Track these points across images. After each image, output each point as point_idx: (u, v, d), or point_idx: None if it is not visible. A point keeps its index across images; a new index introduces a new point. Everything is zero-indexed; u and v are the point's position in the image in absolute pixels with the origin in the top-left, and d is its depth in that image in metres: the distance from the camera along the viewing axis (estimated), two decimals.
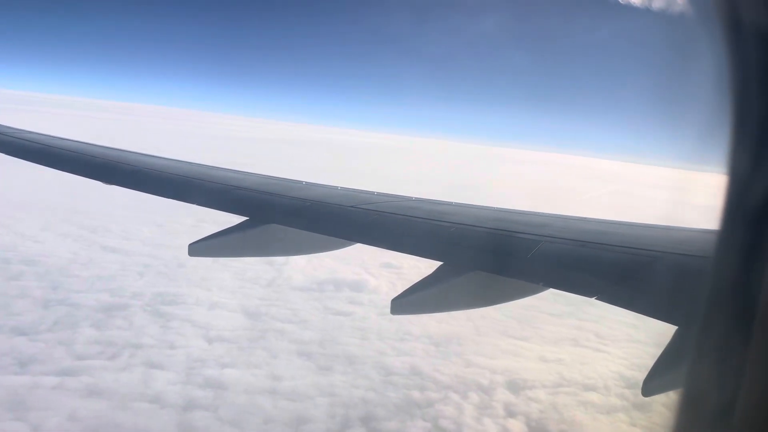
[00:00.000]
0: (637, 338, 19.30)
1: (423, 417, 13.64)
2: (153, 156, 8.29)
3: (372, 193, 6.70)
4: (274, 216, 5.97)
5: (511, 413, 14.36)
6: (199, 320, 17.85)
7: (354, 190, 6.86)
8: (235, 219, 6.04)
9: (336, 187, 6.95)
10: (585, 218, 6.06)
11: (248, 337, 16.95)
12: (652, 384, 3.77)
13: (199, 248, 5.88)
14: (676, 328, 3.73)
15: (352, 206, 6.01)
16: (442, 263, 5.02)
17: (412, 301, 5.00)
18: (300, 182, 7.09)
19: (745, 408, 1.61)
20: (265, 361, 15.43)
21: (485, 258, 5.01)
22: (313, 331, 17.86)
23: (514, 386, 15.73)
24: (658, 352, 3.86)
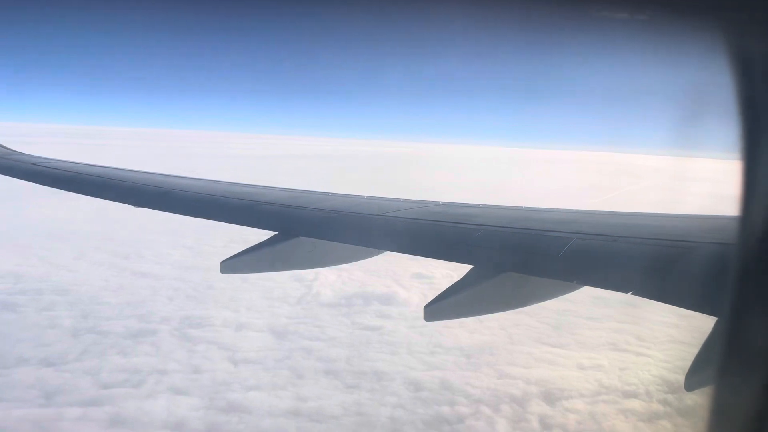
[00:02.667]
0: (679, 338, 18.43)
1: None
2: (180, 177, 8.40)
3: (398, 200, 6.71)
4: (303, 229, 5.99)
5: (546, 426, 13.74)
6: (226, 342, 17.69)
7: (380, 199, 6.86)
8: (263, 236, 6.00)
9: (362, 197, 6.95)
10: (614, 212, 5.93)
11: (274, 357, 16.69)
12: (695, 378, 3.65)
13: (231, 265, 5.91)
14: (716, 319, 3.53)
15: (378, 214, 6.00)
16: (472, 267, 4.93)
17: (444, 306, 4.92)
18: (326, 194, 7.10)
19: None
20: (291, 382, 15.13)
21: (516, 259, 4.96)
22: (341, 348, 17.51)
23: (550, 397, 15.09)
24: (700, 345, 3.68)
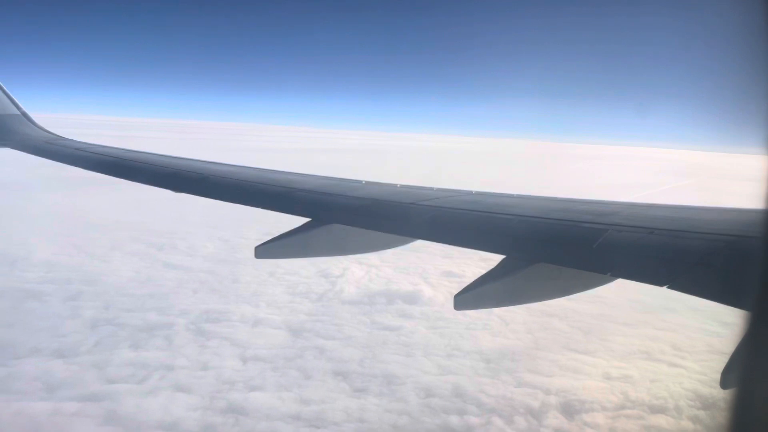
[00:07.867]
0: (719, 348, 17.14)
1: None
2: (218, 163, 8.57)
3: (431, 188, 6.72)
4: (336, 216, 6.07)
5: None
6: (240, 338, 17.41)
7: (413, 187, 6.89)
8: (298, 224, 6.02)
9: (395, 185, 6.97)
10: (652, 204, 5.76)
11: (285, 356, 16.29)
12: (732, 375, 3.41)
13: (265, 250, 6.00)
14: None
15: (411, 203, 6.07)
16: (504, 257, 4.89)
17: (475, 295, 4.85)
18: (359, 182, 7.17)
19: None
20: (297, 383, 14.69)
21: (550, 249, 4.92)
22: (355, 348, 16.98)
23: (569, 409, 14.19)
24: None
